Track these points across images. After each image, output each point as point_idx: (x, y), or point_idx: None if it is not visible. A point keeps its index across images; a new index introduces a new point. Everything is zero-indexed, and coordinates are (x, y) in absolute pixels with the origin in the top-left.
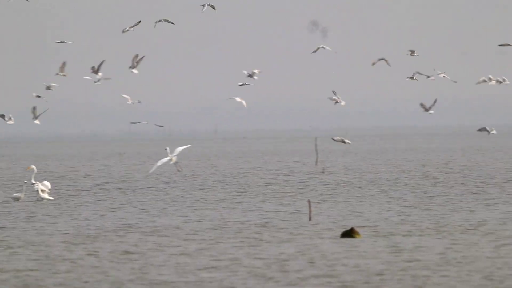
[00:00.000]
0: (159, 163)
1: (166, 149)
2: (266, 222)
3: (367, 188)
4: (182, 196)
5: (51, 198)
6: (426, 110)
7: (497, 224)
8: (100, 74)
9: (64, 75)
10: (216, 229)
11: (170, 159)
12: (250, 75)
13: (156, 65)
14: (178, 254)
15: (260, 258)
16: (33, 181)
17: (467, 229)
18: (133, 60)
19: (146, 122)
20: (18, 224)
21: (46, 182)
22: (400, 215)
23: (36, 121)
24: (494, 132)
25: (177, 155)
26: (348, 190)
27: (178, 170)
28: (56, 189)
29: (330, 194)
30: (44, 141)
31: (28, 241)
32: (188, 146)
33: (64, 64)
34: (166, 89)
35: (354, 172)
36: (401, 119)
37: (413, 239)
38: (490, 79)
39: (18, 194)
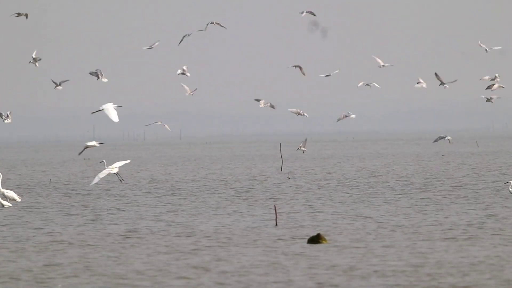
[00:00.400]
0: (101, 175)
1: (102, 161)
2: (232, 228)
3: (333, 193)
4: (156, 204)
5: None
6: (442, 83)
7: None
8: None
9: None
10: (187, 236)
11: (110, 171)
12: (183, 73)
13: (128, 70)
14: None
15: (226, 263)
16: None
17: (443, 233)
18: (98, 72)
19: (160, 122)
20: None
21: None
22: (366, 220)
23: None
24: (449, 138)
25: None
26: (314, 196)
27: (121, 180)
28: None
29: (296, 200)
30: (5, 146)
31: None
32: (127, 161)
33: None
34: (137, 92)
35: (320, 177)
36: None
37: (380, 244)
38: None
39: None
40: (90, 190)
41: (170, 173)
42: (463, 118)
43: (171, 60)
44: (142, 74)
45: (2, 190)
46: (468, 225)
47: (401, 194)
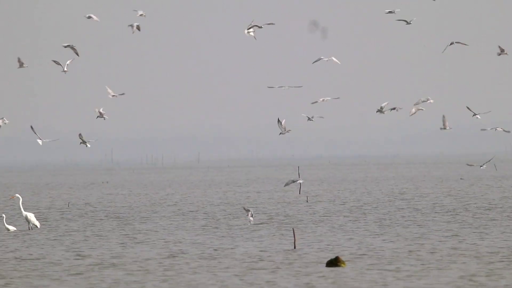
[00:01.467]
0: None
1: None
2: (251, 251)
3: (351, 216)
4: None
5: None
6: (474, 114)
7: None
8: (44, 141)
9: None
10: (206, 258)
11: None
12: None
13: (141, 93)
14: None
15: (245, 286)
16: (23, 211)
17: (460, 255)
18: (99, 112)
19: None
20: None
21: (30, 214)
22: (384, 244)
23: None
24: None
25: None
26: (332, 219)
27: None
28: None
29: (314, 223)
30: (25, 170)
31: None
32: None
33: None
34: (151, 117)
35: (338, 200)
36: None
37: (400, 268)
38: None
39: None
40: (115, 213)
41: (190, 196)
42: (478, 140)
43: (188, 84)
44: (160, 97)
45: (25, 213)
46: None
47: (427, 218)
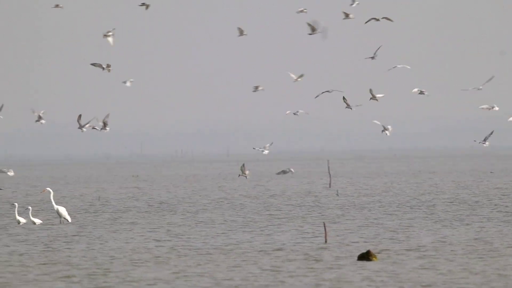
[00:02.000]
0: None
1: (28, 207)
2: (283, 245)
3: (383, 210)
4: (209, 218)
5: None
6: (483, 141)
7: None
8: (86, 127)
9: None
10: (236, 252)
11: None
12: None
13: (168, 87)
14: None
15: (277, 280)
16: (54, 204)
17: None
18: (39, 116)
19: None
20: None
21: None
22: (416, 238)
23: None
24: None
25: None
26: (363, 212)
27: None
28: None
29: (345, 216)
30: (56, 163)
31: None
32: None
33: None
34: (180, 111)
35: (369, 194)
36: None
37: (428, 261)
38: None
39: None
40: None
41: (222, 189)
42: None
43: (213, 78)
44: (191, 92)
45: (56, 206)
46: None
47: (457, 211)
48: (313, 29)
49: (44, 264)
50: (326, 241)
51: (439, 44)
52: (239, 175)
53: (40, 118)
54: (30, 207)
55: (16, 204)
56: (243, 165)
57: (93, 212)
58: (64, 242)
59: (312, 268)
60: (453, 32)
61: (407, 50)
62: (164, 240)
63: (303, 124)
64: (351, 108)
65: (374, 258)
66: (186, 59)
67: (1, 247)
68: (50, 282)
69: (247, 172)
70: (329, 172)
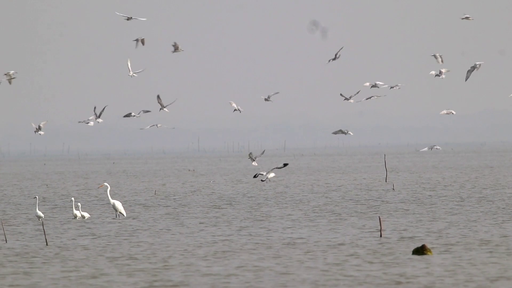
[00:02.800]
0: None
1: (77, 204)
2: (339, 239)
3: (438, 204)
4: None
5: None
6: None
7: None
8: (99, 120)
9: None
10: (292, 246)
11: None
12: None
13: (224, 83)
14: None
15: (332, 274)
16: (110, 199)
17: None
18: (159, 102)
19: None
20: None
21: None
22: (471, 232)
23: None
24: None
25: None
26: (418, 207)
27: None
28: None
29: (400, 211)
30: (108, 157)
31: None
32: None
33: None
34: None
35: (424, 188)
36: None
37: (485, 256)
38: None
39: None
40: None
41: (281, 183)
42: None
43: (272, 72)
44: (249, 87)
45: (112, 201)
46: None
47: None
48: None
49: (110, 257)
50: (381, 235)
51: (439, 44)
52: (262, 180)
53: (38, 129)
54: (78, 203)
55: (73, 198)
56: (251, 153)
57: (150, 206)
58: (129, 235)
59: (367, 262)
60: (453, 32)
61: (408, 50)
62: (228, 234)
63: (361, 119)
64: (348, 99)
65: (429, 252)
66: (245, 54)
67: (69, 240)
68: (118, 276)
69: (270, 175)
70: (385, 167)
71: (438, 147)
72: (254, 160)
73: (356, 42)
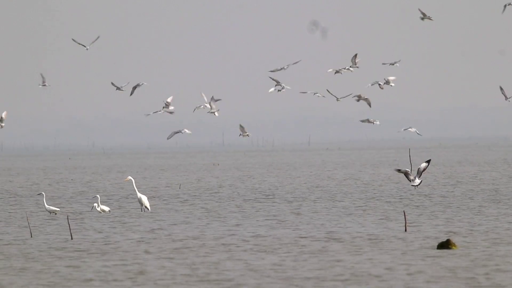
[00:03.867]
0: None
1: (96, 196)
2: (363, 233)
3: (463, 199)
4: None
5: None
6: (506, 98)
7: None
8: (171, 108)
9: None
10: (319, 240)
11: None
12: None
13: (252, 77)
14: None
15: (354, 268)
16: (137, 193)
17: None
18: (164, 103)
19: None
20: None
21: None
22: (499, 227)
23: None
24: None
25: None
26: (444, 201)
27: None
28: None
29: (425, 205)
30: (134, 152)
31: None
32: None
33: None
34: (263, 99)
35: (449, 183)
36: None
37: (509, 250)
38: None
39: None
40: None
41: (313, 177)
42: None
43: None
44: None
45: (139, 195)
46: None
47: None
48: None
49: (153, 252)
50: (406, 230)
51: (440, 43)
52: (240, 134)
53: (43, 81)
54: (98, 196)
55: (98, 196)
56: (241, 125)
57: (175, 199)
58: (168, 227)
59: (391, 257)
60: (453, 32)
61: (407, 50)
62: (267, 228)
63: (386, 113)
64: (337, 99)
65: (454, 247)
66: (270, 49)
67: (116, 234)
68: (173, 271)
69: (247, 133)
70: (410, 161)
71: (412, 130)
72: (244, 134)
73: (356, 42)
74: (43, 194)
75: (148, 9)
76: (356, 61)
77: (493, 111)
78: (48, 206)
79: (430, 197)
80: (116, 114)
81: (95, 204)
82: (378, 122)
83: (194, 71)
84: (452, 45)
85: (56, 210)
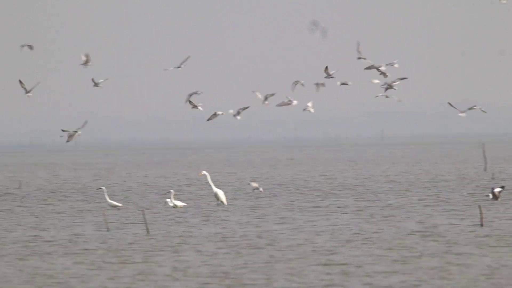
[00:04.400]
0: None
1: (170, 191)
2: (438, 228)
3: None
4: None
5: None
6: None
7: None
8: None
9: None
10: (393, 237)
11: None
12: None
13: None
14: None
15: (427, 262)
16: (213, 187)
17: None
18: (189, 98)
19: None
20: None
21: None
22: None
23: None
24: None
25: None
26: None
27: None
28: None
29: (501, 200)
30: (205, 147)
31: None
32: None
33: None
34: (330, 95)
35: None
36: None
37: None
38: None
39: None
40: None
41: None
42: None
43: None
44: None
45: (215, 189)
46: None
47: None
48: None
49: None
50: (482, 225)
51: (439, 44)
52: (192, 107)
53: (86, 62)
54: (172, 191)
55: (172, 191)
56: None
57: (245, 195)
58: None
59: (468, 251)
60: (452, 32)
61: (407, 50)
62: (357, 223)
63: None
64: (332, 77)
65: None
66: (270, 49)
67: (193, 228)
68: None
69: (199, 105)
70: (484, 156)
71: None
72: (237, 114)
73: (355, 42)
74: (103, 189)
75: (148, 9)
76: (331, 72)
77: (492, 111)
78: (110, 201)
79: (506, 192)
80: (178, 111)
81: (168, 200)
82: (462, 115)
83: (194, 71)
84: (452, 45)
85: (118, 205)
